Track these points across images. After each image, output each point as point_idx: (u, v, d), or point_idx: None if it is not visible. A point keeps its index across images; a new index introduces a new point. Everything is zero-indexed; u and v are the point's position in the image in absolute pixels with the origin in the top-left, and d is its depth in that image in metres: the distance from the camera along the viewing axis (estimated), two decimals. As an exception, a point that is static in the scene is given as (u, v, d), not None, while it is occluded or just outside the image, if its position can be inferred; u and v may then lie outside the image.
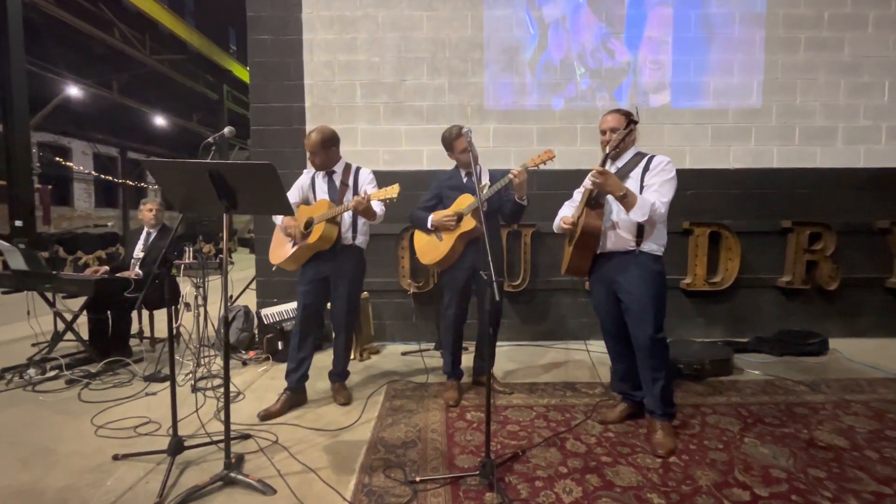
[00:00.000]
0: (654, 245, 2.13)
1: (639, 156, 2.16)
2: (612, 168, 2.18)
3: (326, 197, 2.55)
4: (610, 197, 2.08)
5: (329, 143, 2.52)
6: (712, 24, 3.80)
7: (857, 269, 3.84)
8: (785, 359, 3.34)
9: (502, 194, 2.51)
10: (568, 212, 2.39)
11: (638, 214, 1.99)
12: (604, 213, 2.12)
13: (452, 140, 2.56)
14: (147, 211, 3.62)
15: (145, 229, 3.66)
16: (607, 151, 2.11)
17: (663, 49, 3.83)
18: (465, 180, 2.65)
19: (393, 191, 2.21)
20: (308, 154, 2.55)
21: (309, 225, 2.47)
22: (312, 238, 2.44)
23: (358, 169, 2.64)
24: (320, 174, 2.62)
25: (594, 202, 2.10)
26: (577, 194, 2.44)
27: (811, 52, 3.80)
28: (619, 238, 2.13)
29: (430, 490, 1.76)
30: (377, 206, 2.39)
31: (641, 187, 2.09)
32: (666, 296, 2.16)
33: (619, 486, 1.77)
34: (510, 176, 2.36)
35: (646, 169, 2.11)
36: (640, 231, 2.10)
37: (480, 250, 1.79)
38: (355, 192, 2.56)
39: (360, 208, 2.32)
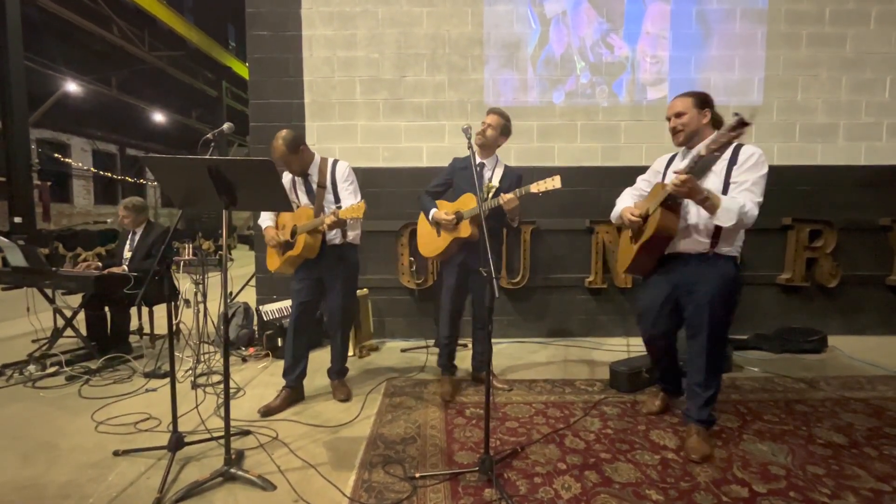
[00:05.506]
0: (730, 247, 1.90)
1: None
2: (684, 161, 1.92)
3: (307, 202, 2.53)
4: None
5: (295, 146, 2.39)
6: (712, 19, 3.78)
7: (857, 267, 3.83)
8: (784, 356, 3.34)
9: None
10: (629, 201, 2.15)
11: (724, 219, 1.72)
12: (681, 213, 1.88)
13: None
14: (122, 216, 3.59)
15: (130, 230, 3.65)
16: (680, 141, 1.93)
17: (661, 44, 3.81)
18: (478, 170, 2.52)
19: (358, 211, 2.18)
20: (280, 165, 2.35)
21: (294, 234, 2.47)
22: (296, 250, 2.44)
23: (334, 165, 2.52)
24: (298, 177, 2.55)
25: (672, 202, 1.86)
26: (641, 181, 2.21)
27: (813, 49, 3.78)
28: (692, 240, 1.91)
29: (430, 486, 1.76)
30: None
31: (727, 184, 1.80)
32: (737, 302, 1.94)
33: (618, 483, 1.78)
34: (500, 201, 2.33)
35: (732, 162, 1.81)
36: (717, 232, 1.86)
37: (479, 248, 1.80)
38: (334, 193, 2.50)
39: (336, 224, 2.28)
